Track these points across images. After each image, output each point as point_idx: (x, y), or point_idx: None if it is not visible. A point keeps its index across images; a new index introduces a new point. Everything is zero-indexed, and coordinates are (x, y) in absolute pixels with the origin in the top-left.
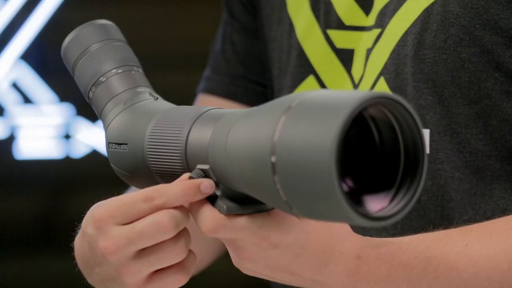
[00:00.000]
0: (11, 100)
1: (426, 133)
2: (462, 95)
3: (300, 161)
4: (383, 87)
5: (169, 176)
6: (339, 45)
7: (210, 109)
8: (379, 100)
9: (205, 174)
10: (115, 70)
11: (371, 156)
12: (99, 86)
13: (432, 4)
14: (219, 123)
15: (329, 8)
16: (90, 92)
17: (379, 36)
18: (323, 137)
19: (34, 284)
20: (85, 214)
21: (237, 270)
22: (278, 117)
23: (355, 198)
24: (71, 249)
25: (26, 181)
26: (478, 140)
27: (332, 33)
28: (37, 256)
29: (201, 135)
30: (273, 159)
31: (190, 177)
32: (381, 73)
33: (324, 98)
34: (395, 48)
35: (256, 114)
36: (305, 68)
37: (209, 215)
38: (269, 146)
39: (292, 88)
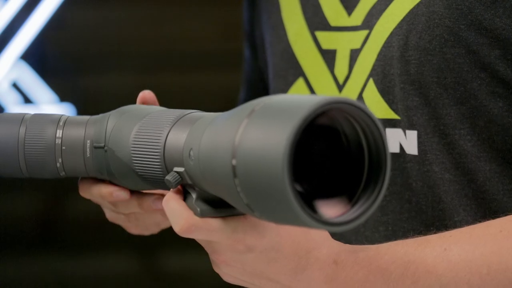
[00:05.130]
0: (11, 100)
1: (413, 134)
2: (448, 96)
3: (257, 164)
4: (372, 89)
5: (151, 179)
6: (324, 46)
7: (191, 112)
8: (336, 106)
9: (180, 176)
10: (56, 135)
11: (335, 161)
12: (61, 157)
13: (417, 5)
14: (194, 127)
15: (317, 10)
16: (60, 170)
17: (366, 37)
18: (276, 142)
19: (34, 284)
20: (85, 214)
21: None
22: (241, 121)
23: (313, 202)
24: (71, 249)
25: (26, 181)
26: (467, 141)
27: (320, 34)
28: (37, 256)
29: (177, 138)
30: (234, 162)
31: (166, 180)
32: (370, 75)
33: (283, 104)
34: (382, 49)
35: (224, 118)
36: (295, 71)
37: (184, 215)
38: (230, 150)
39: (284, 91)
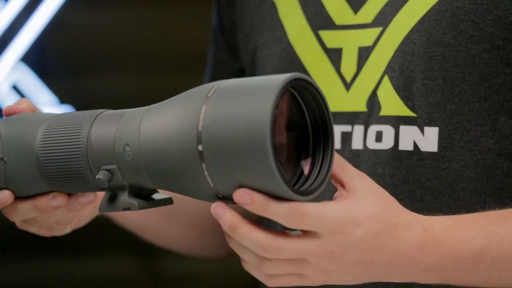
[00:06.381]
0: (11, 102)
1: (433, 131)
2: (473, 92)
3: (231, 142)
4: (387, 86)
5: (67, 181)
6: (329, 45)
7: (104, 111)
8: (298, 82)
9: (111, 174)
10: None
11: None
12: None
13: (439, 1)
14: (121, 123)
15: (320, 9)
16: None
17: (380, 35)
18: (258, 117)
19: (34, 284)
20: None
21: (240, 271)
22: (198, 107)
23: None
24: (71, 251)
25: None
26: (488, 138)
27: (324, 33)
28: (37, 257)
29: (103, 136)
30: (200, 147)
31: (98, 179)
32: (385, 72)
33: (243, 85)
34: (400, 46)
35: (171, 108)
36: (297, 71)
37: (290, 205)
38: (194, 136)
39: None
